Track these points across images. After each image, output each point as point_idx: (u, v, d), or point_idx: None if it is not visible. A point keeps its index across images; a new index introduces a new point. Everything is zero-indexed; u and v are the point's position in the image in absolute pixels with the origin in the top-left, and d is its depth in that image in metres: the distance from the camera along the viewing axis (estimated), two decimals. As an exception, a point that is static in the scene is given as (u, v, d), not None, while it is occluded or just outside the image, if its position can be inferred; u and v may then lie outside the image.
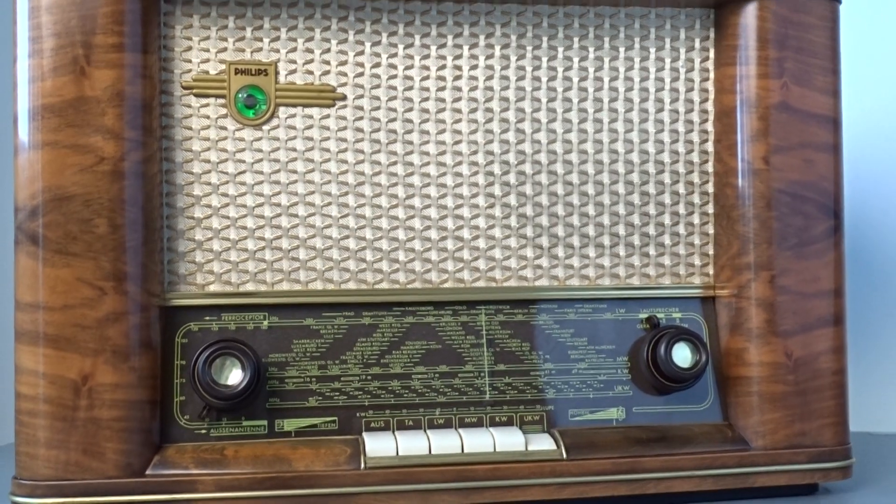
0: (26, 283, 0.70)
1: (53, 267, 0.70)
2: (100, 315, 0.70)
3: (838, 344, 0.80)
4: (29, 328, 0.70)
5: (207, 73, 0.75)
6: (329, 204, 0.76)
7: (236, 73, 0.75)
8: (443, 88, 0.78)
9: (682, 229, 0.81)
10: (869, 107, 1.12)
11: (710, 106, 0.81)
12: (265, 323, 0.75)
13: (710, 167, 0.81)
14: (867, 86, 1.12)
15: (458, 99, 0.78)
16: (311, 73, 0.76)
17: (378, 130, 0.77)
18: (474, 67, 0.78)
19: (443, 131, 0.78)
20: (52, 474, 0.69)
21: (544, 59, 0.79)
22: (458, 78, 0.78)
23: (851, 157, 1.08)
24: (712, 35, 0.81)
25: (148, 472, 0.71)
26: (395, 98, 0.77)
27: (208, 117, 0.75)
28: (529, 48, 0.79)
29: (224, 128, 0.75)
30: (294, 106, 0.76)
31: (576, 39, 0.80)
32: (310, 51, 0.76)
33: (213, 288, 0.75)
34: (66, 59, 0.70)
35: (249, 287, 0.75)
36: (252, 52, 0.75)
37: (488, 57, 0.78)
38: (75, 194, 0.70)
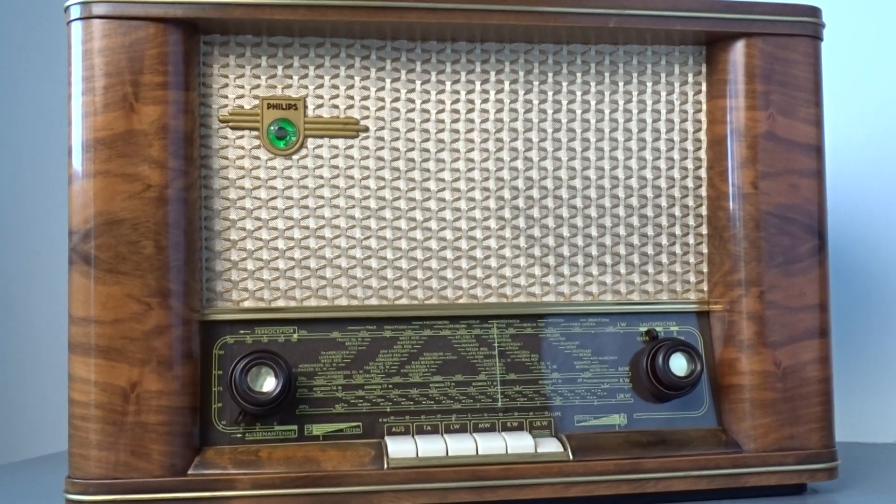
0: (80, 299, 0.77)
1: (104, 284, 0.76)
2: (146, 328, 0.76)
3: (824, 354, 0.85)
4: (82, 340, 0.76)
5: (242, 107, 0.81)
6: (353, 227, 0.83)
7: (268, 108, 0.82)
8: (457, 120, 0.84)
9: (678, 249, 0.87)
10: (851, 134, 1.19)
11: (702, 135, 0.88)
12: (295, 336, 0.82)
13: (703, 192, 0.87)
14: (849, 116, 1.19)
15: (471, 130, 0.84)
16: (336, 107, 0.83)
17: (398, 159, 0.84)
18: (485, 101, 0.85)
19: (457, 159, 0.84)
20: (102, 473, 0.75)
21: (550, 93, 0.86)
22: (470, 111, 0.84)
23: (838, 182, 1.14)
24: (704, 70, 0.87)
25: (190, 471, 0.76)
26: (413, 129, 0.84)
27: (243, 148, 0.81)
28: (536, 83, 0.85)
29: (257, 157, 0.82)
30: (321, 137, 0.83)
31: (579, 75, 0.86)
32: (335, 87, 0.83)
33: (247, 304, 0.81)
34: (116, 96, 0.76)
35: (280, 303, 0.81)
36: (283, 89, 0.82)
37: (498, 91, 0.85)
38: (125, 218, 0.76)
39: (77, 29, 0.77)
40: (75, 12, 0.77)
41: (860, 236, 1.20)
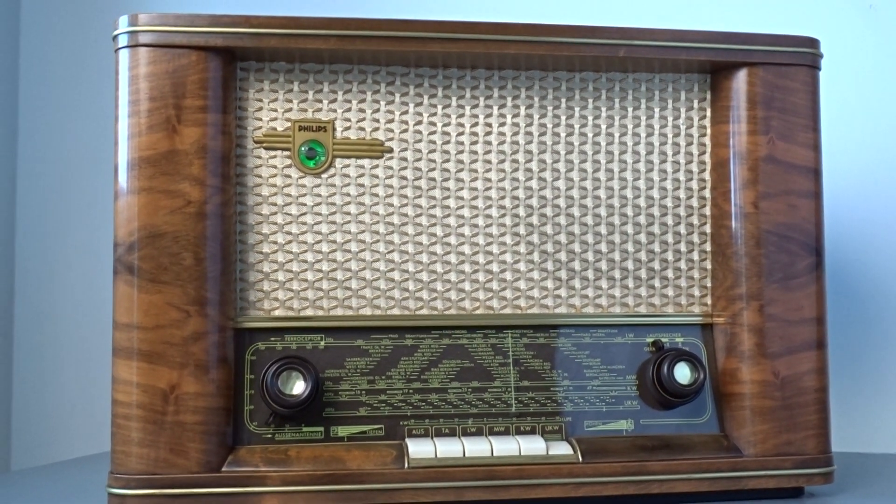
0: (123, 306, 0.81)
1: (147, 293, 0.81)
2: (185, 334, 0.81)
3: (820, 365, 0.89)
4: (125, 345, 0.81)
5: (275, 129, 0.87)
6: (377, 241, 0.88)
7: (300, 130, 0.87)
8: (475, 142, 0.89)
9: (683, 265, 0.92)
10: (849, 158, 1.23)
11: (707, 158, 0.92)
12: (322, 343, 0.86)
13: (707, 211, 0.92)
14: (847, 140, 1.23)
15: (489, 151, 0.89)
16: (363, 129, 0.88)
17: (420, 178, 0.88)
18: (502, 125, 0.89)
19: (475, 179, 0.89)
20: (143, 469, 0.80)
21: (563, 118, 0.90)
22: (488, 133, 0.89)
23: (839, 201, 1.19)
24: (709, 97, 0.92)
25: (224, 468, 0.81)
26: (434, 151, 0.88)
27: (276, 167, 0.86)
28: (550, 108, 0.90)
29: (289, 176, 0.87)
30: (348, 157, 0.87)
31: (590, 100, 0.91)
32: (362, 110, 0.88)
33: (277, 313, 0.86)
34: (160, 118, 0.82)
35: (309, 312, 0.86)
36: (313, 112, 0.87)
37: (514, 115, 0.90)
38: (166, 232, 0.81)
39: (124, 56, 0.82)
40: (123, 41, 0.83)
41: (860, 253, 1.24)
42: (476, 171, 0.89)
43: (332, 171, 0.87)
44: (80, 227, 1.32)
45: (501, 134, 0.89)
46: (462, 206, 0.88)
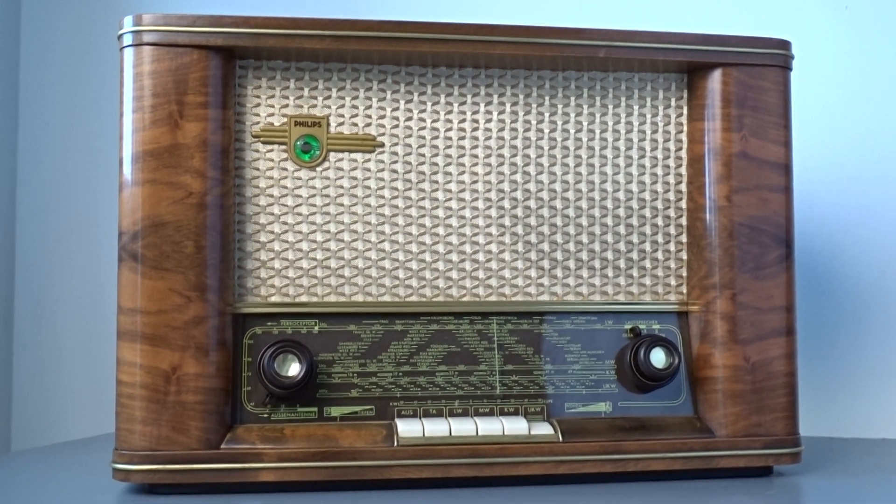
0: (128, 292, 0.85)
1: (150, 279, 0.85)
2: (186, 318, 0.85)
3: (789, 351, 0.93)
4: (129, 328, 0.85)
5: (272, 124, 0.90)
6: (369, 231, 0.92)
7: (295, 125, 0.91)
8: (463, 138, 0.93)
9: (660, 255, 0.96)
10: (821, 153, 1.27)
11: (683, 153, 0.96)
12: (316, 328, 0.90)
13: (683, 204, 0.96)
14: (822, 137, 1.27)
15: (476, 146, 0.93)
16: (356, 124, 0.92)
17: (410, 172, 0.92)
18: (489, 121, 0.93)
19: (462, 173, 0.93)
20: (146, 446, 0.84)
21: (546, 114, 0.94)
22: (475, 129, 0.93)
23: (817, 198, 1.23)
24: (685, 95, 0.96)
25: (223, 446, 0.85)
26: (423, 145, 0.92)
27: (272, 160, 0.90)
28: (534, 105, 0.94)
29: (285, 169, 0.90)
30: (342, 151, 0.91)
31: (572, 98, 0.95)
32: (355, 107, 0.91)
33: (274, 299, 0.89)
34: (163, 114, 0.85)
35: (303, 299, 0.90)
36: (309, 108, 0.91)
37: (500, 112, 0.93)
38: (169, 221, 0.85)
39: (129, 54, 0.86)
40: (128, 40, 0.86)
41: (833, 246, 1.28)
42: (463, 164, 0.93)
43: (326, 164, 0.91)
44: (78, 214, 1.35)
45: (488, 130, 0.93)
46: (450, 199, 0.92)
